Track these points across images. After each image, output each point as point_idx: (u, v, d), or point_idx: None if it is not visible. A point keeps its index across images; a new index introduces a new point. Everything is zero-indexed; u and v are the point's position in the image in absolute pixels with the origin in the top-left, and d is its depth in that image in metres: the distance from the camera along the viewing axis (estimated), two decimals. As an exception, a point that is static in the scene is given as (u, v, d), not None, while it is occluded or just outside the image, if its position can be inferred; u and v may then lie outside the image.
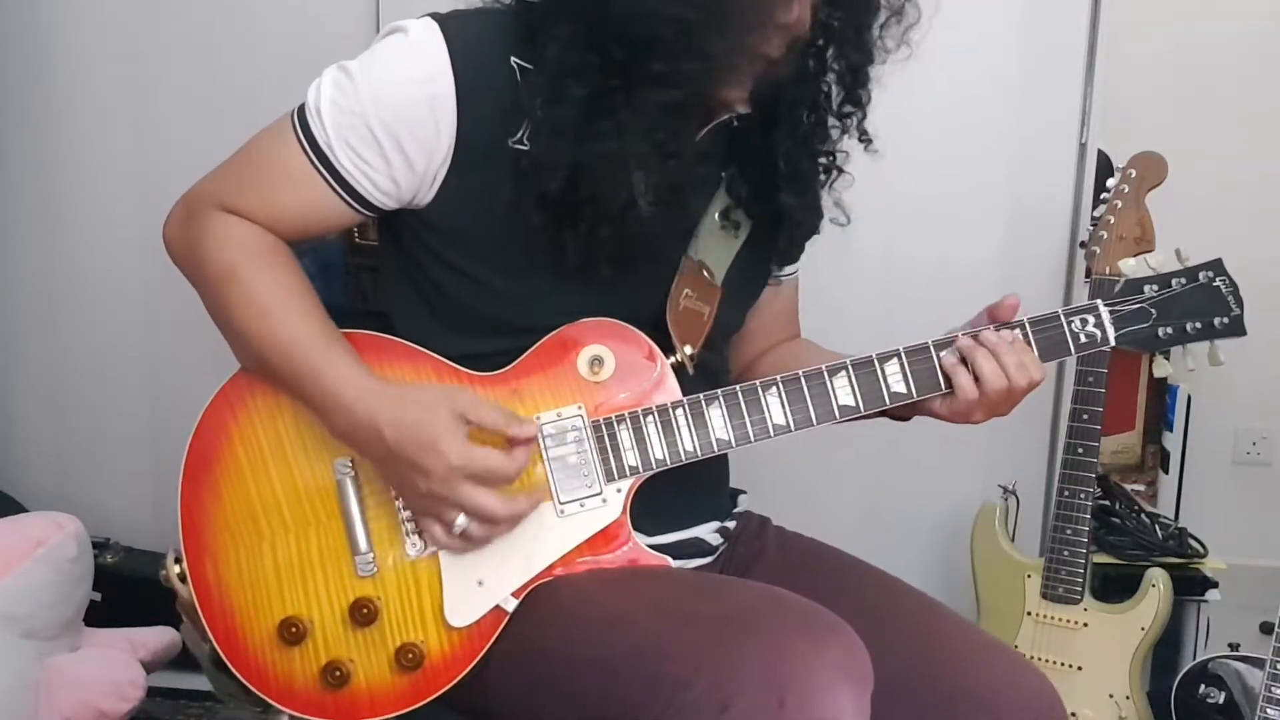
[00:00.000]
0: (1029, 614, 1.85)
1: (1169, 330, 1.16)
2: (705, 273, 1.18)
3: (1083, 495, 1.80)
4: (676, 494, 1.15)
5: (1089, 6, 2.05)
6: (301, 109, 1.10)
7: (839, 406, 1.12)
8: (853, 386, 1.12)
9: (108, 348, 2.21)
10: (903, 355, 1.13)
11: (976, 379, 1.12)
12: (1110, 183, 1.80)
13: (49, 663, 1.65)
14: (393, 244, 1.17)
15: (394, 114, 1.06)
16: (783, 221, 1.21)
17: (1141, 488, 2.34)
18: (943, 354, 1.14)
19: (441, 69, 1.06)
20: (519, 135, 1.08)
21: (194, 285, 1.13)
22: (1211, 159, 2.43)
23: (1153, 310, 1.16)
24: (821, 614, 0.99)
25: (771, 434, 1.12)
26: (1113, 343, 1.15)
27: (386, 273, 1.21)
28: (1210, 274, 1.17)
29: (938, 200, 2.11)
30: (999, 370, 1.11)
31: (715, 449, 1.12)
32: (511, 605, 1.08)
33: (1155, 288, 1.17)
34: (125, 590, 1.99)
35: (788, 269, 1.36)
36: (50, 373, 2.24)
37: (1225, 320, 1.16)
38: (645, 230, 1.08)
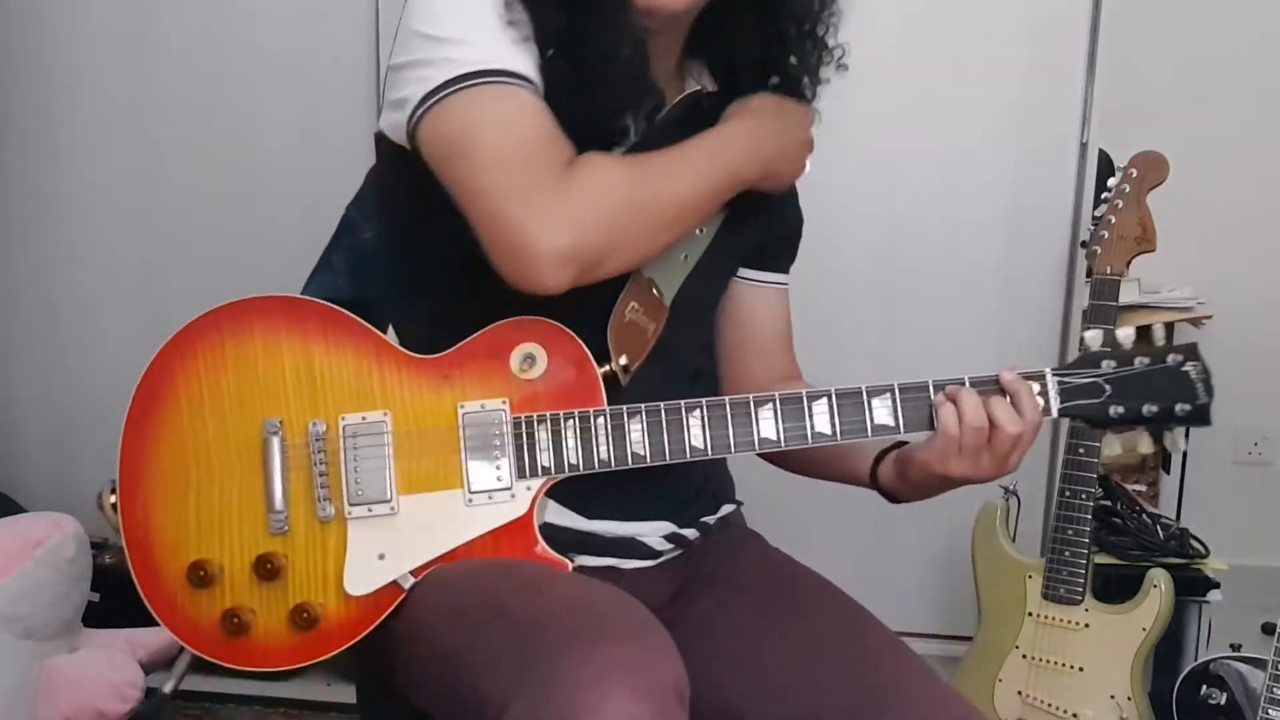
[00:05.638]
0: (1030, 614, 1.85)
1: (1120, 410, 1.09)
2: (655, 291, 1.17)
3: (1084, 495, 1.80)
4: (620, 483, 1.12)
5: (1089, 6, 2.06)
6: (437, 90, 1.02)
7: (760, 439, 1.10)
8: (777, 419, 1.10)
9: (108, 349, 2.21)
10: (861, 392, 1.10)
11: (960, 417, 1.07)
12: (1111, 182, 1.80)
13: (48, 663, 1.65)
14: (400, 212, 1.17)
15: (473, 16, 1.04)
16: (757, 210, 1.19)
17: (1143, 488, 2.34)
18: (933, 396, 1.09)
19: None
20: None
21: (622, 243, 1.06)
22: (1212, 159, 2.42)
23: (1106, 386, 1.09)
24: (630, 620, 0.97)
25: (688, 456, 1.10)
26: (1054, 414, 1.09)
27: (385, 254, 1.22)
28: (1180, 358, 1.08)
29: (938, 200, 2.10)
30: (980, 409, 1.06)
31: (630, 462, 1.10)
32: (409, 583, 1.10)
33: (1114, 364, 1.09)
34: (125, 590, 1.97)
35: (767, 275, 1.32)
36: (50, 373, 2.25)
37: (1187, 407, 1.07)
38: None
